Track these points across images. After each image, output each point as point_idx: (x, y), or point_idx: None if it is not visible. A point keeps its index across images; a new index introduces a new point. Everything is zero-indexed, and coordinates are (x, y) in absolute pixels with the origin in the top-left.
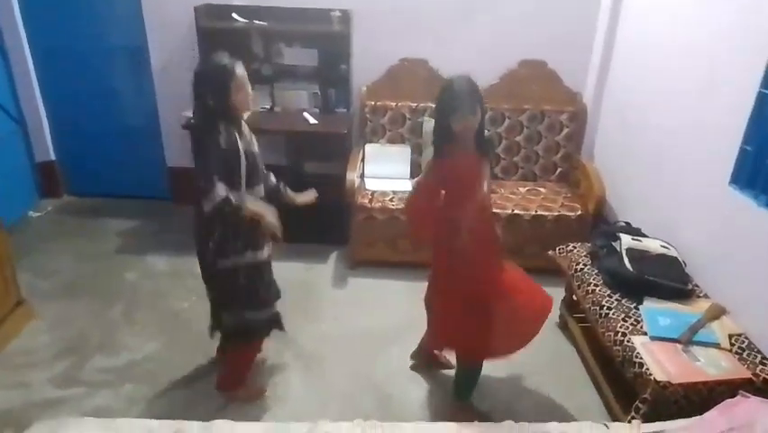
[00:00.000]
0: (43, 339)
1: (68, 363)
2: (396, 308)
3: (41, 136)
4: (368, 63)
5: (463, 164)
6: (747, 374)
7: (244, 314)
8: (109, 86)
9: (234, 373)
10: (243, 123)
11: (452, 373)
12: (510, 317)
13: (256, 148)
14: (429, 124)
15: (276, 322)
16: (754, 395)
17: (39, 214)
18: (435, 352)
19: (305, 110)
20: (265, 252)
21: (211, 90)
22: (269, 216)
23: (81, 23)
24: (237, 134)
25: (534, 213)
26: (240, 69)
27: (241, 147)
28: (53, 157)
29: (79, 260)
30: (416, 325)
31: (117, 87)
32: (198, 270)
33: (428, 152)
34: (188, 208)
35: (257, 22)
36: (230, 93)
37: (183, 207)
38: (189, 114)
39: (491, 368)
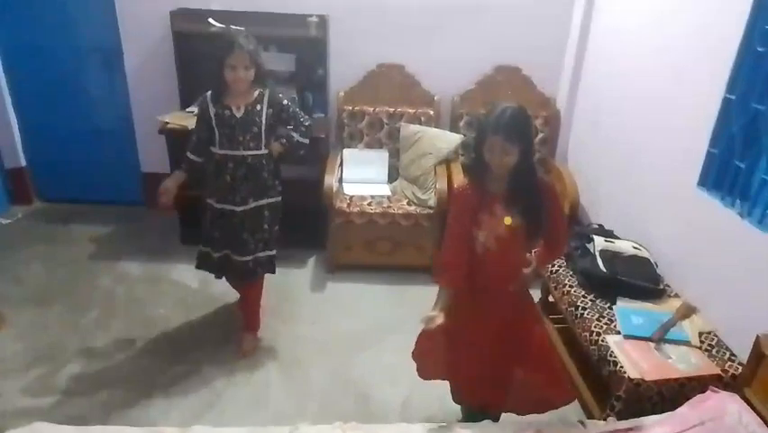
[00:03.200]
0: (15, 347)
1: (41, 372)
2: (374, 310)
3: (10, 142)
4: (345, 68)
5: (477, 199)
6: (716, 370)
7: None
8: (82, 89)
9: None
10: (251, 96)
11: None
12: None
13: (252, 120)
14: (406, 128)
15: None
16: (723, 390)
17: (9, 221)
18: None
19: None
20: (223, 204)
21: (215, 57)
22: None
23: (53, 24)
24: (214, 105)
25: None
26: (238, 51)
27: (212, 115)
28: (23, 163)
29: (51, 267)
30: (395, 327)
31: (90, 90)
32: (174, 275)
33: (406, 156)
34: (163, 213)
35: (234, 27)
36: (222, 65)
37: (158, 213)
38: (165, 118)
39: None
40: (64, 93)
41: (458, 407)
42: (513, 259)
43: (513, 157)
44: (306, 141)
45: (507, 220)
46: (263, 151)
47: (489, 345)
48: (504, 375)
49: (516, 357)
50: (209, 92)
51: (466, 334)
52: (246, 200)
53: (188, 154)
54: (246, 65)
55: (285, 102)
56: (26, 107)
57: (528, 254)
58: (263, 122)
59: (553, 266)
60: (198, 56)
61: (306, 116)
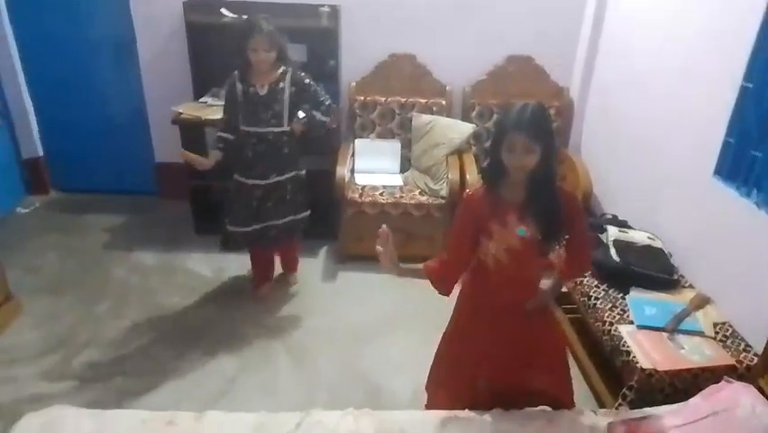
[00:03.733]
0: (31, 335)
1: (57, 358)
2: (385, 301)
3: (27, 132)
4: (356, 59)
5: (489, 206)
6: (731, 361)
7: (226, 223)
8: (97, 80)
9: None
10: (275, 75)
11: None
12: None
13: (274, 98)
14: (418, 119)
15: (240, 240)
16: (738, 381)
17: (26, 210)
18: None
19: None
20: (246, 178)
21: (237, 41)
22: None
23: (68, 16)
24: (241, 83)
25: None
26: (259, 35)
27: (239, 92)
28: (40, 153)
29: (67, 256)
30: (406, 318)
31: (105, 81)
32: (188, 264)
33: (418, 146)
34: (176, 203)
35: (246, 17)
36: (245, 48)
37: (171, 203)
38: (179, 108)
39: None
40: (79, 84)
41: None
42: (527, 273)
43: (535, 156)
44: (327, 119)
45: (522, 230)
46: (284, 128)
47: (502, 361)
48: (515, 390)
49: (531, 375)
50: (236, 72)
51: (476, 349)
52: (267, 175)
53: (221, 134)
54: (267, 48)
55: (307, 81)
56: (43, 98)
57: (551, 257)
58: (285, 99)
59: None
60: (211, 46)
61: (327, 96)
